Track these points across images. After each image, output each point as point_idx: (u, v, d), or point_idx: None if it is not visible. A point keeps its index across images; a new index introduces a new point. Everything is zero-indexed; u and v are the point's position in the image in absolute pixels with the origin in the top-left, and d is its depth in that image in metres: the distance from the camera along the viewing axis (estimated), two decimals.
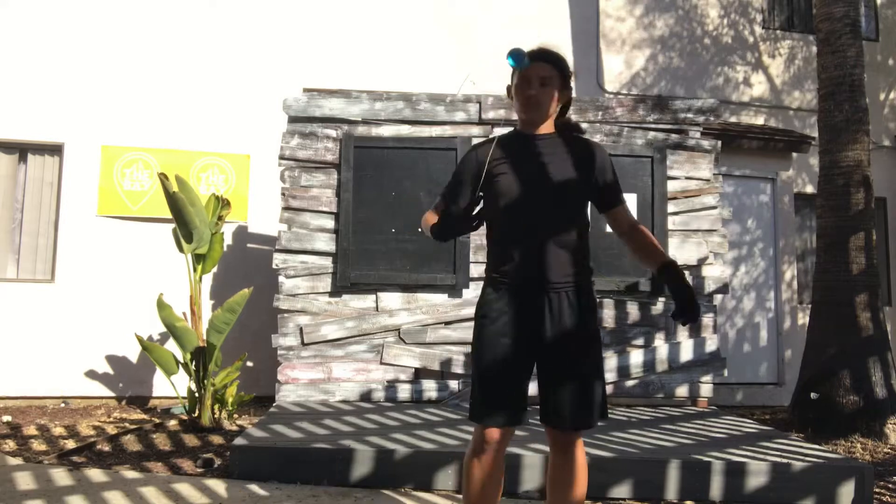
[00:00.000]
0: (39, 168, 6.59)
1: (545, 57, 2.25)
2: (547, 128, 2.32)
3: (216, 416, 5.11)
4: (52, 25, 6.55)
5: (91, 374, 6.26)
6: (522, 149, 2.29)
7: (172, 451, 4.37)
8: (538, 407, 2.31)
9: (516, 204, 2.23)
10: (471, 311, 5.42)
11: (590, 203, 2.37)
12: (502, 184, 2.25)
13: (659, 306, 5.56)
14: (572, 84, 2.33)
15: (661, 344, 5.54)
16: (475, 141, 5.57)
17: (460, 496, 3.47)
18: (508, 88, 2.35)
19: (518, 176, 2.25)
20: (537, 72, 2.23)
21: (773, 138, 7.26)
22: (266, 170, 6.57)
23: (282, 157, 5.54)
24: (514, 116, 2.36)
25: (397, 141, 5.55)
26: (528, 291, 2.23)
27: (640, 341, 5.54)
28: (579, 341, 2.23)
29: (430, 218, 2.36)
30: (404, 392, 5.36)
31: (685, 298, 2.10)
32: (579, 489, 2.28)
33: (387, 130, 5.61)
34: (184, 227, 5.02)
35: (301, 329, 5.35)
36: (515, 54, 2.20)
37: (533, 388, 2.32)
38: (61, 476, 3.58)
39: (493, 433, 2.22)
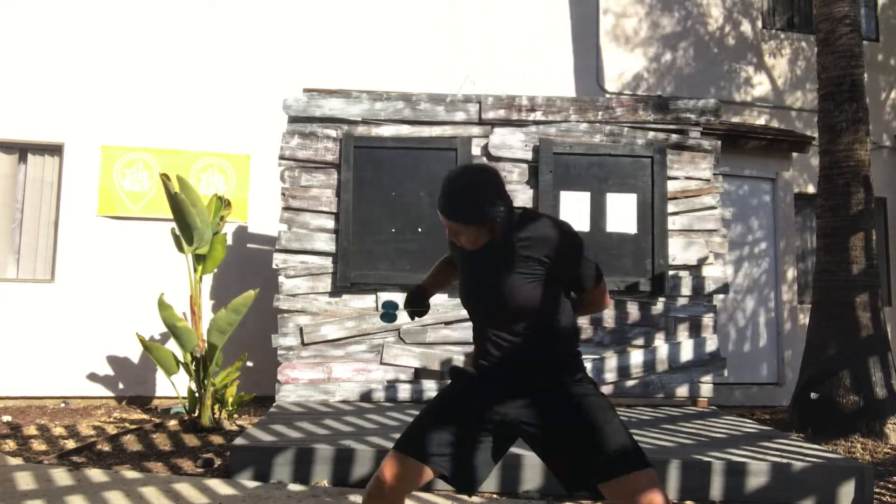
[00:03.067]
0: (39, 168, 6.59)
1: (447, 213, 2.08)
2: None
3: (216, 416, 5.11)
4: (52, 25, 6.55)
5: (91, 374, 6.26)
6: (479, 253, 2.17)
7: (172, 451, 4.37)
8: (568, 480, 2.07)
9: (469, 300, 2.21)
10: None
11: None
12: (461, 275, 2.25)
13: (659, 306, 5.56)
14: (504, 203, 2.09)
15: (661, 344, 5.54)
16: (475, 141, 5.58)
17: (460, 496, 3.48)
18: None
19: (467, 270, 2.21)
20: (448, 225, 2.13)
21: (773, 139, 7.26)
22: (266, 170, 6.57)
23: (282, 157, 5.54)
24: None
25: (397, 141, 5.55)
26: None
27: (640, 341, 5.54)
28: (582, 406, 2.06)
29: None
30: (404, 392, 5.36)
31: None
32: None
33: (387, 130, 5.61)
34: (185, 228, 5.02)
35: (301, 329, 5.35)
36: (385, 314, 2.54)
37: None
38: (61, 476, 3.58)
39: (392, 467, 2.01)
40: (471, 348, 5.15)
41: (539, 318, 2.10)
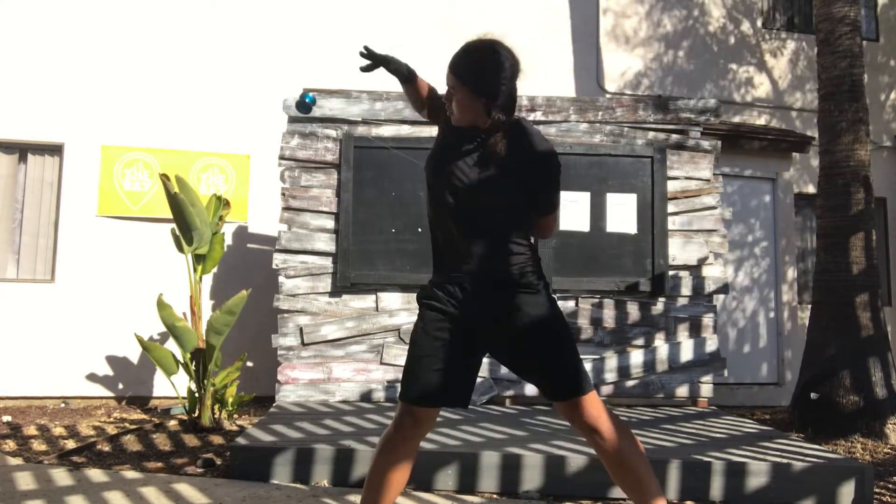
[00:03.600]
0: (39, 168, 6.59)
1: (452, 63, 2.16)
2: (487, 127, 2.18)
3: (216, 416, 5.11)
4: (52, 25, 6.55)
5: (91, 375, 6.26)
6: (448, 143, 2.27)
7: (172, 451, 4.37)
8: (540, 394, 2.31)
9: (444, 197, 2.24)
10: None
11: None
12: (435, 173, 2.27)
13: (659, 306, 5.56)
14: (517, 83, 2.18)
15: (661, 344, 5.53)
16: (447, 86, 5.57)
17: (461, 496, 3.48)
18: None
19: (444, 168, 2.24)
20: (447, 81, 2.20)
21: (773, 139, 7.26)
22: (266, 170, 6.57)
23: (282, 157, 5.54)
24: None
25: (397, 141, 5.55)
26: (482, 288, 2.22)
27: (640, 341, 5.54)
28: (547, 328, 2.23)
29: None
30: None
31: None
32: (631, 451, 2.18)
33: (387, 130, 5.61)
34: (185, 228, 5.02)
35: (301, 329, 5.35)
36: (300, 103, 2.53)
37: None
38: (61, 476, 3.58)
39: (413, 414, 2.18)
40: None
41: (514, 225, 2.22)
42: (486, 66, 2.12)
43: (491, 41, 2.17)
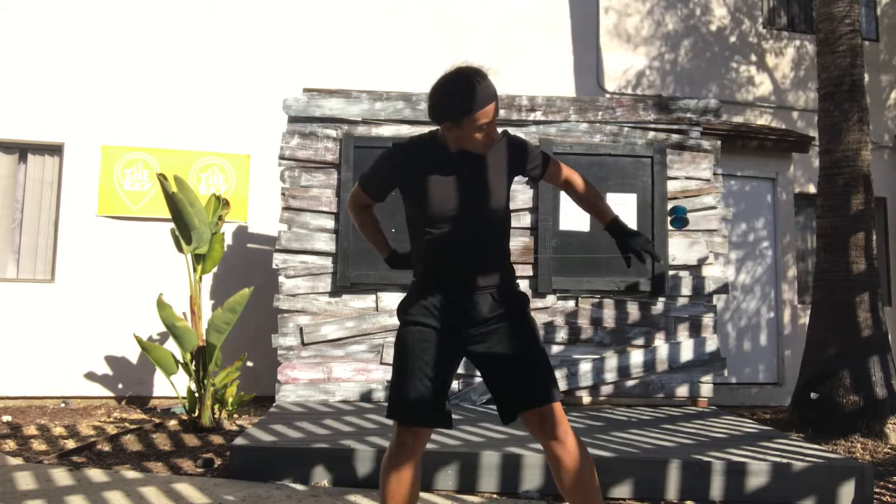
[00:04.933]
0: (39, 168, 6.59)
1: (489, 94, 2.22)
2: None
3: (216, 416, 5.11)
4: (52, 25, 6.55)
5: (91, 374, 6.26)
6: (445, 159, 2.30)
7: (172, 451, 4.37)
8: (498, 409, 2.28)
9: (446, 211, 2.25)
10: None
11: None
12: (431, 189, 2.26)
13: (659, 306, 5.56)
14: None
15: (661, 344, 5.53)
16: None
17: (461, 496, 3.48)
18: (448, 121, 2.26)
19: (445, 184, 2.26)
20: (489, 113, 2.20)
21: (774, 139, 7.26)
22: (266, 170, 6.57)
23: (282, 157, 5.54)
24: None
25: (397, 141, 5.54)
26: (455, 293, 2.27)
27: (640, 341, 5.54)
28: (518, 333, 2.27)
29: (363, 218, 2.58)
30: None
31: (640, 246, 2.36)
32: (582, 471, 2.18)
33: (387, 130, 5.61)
34: (183, 228, 5.01)
35: (301, 329, 5.35)
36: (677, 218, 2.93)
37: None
38: (61, 476, 3.58)
39: (414, 433, 2.19)
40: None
41: (504, 231, 2.34)
42: (439, 98, 2.28)
43: (467, 67, 2.30)
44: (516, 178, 2.47)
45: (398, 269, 2.64)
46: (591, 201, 2.49)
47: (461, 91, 2.17)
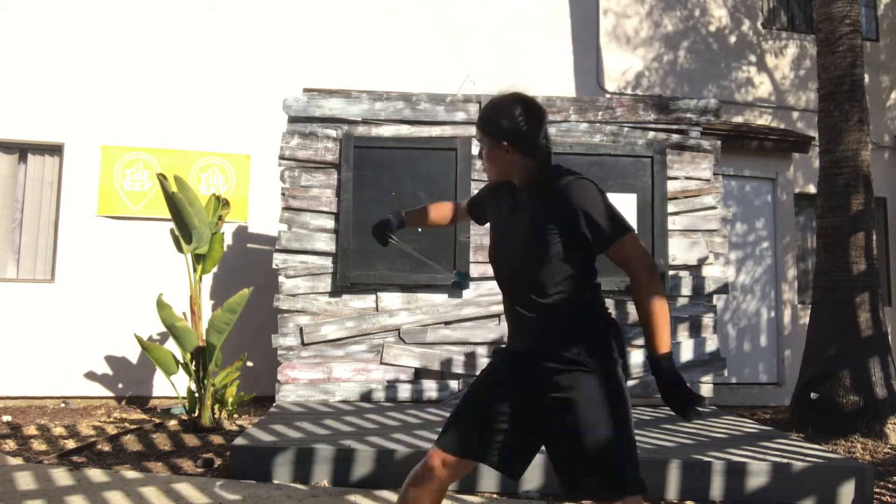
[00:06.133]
0: (39, 168, 6.59)
1: (478, 120, 2.09)
2: (522, 179, 2.07)
3: (216, 416, 5.11)
4: (51, 25, 6.55)
5: (91, 374, 6.26)
6: (501, 201, 2.13)
7: (172, 451, 4.37)
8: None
9: (495, 262, 2.11)
10: (471, 310, 5.43)
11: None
12: (491, 234, 2.14)
13: None
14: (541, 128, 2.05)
15: None
16: (475, 141, 5.57)
17: (461, 496, 3.48)
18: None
19: (498, 230, 2.12)
20: (477, 138, 2.11)
21: (774, 139, 7.26)
22: (266, 170, 6.57)
23: (282, 157, 5.54)
24: None
25: (397, 141, 5.55)
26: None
27: (640, 341, 5.53)
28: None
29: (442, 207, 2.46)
30: (404, 392, 5.36)
31: (676, 403, 1.83)
32: None
33: (387, 130, 5.61)
34: (183, 228, 5.02)
35: (301, 329, 5.35)
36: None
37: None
38: (61, 476, 3.58)
39: (438, 455, 1.99)
40: (470, 349, 5.12)
41: (557, 288, 1.97)
42: (499, 111, 2.02)
43: (511, 93, 2.06)
44: None
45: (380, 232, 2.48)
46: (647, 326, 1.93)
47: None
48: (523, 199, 2.03)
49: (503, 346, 2.17)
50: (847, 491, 3.55)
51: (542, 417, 1.95)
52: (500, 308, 5.03)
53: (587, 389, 1.89)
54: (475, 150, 5.56)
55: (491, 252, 2.13)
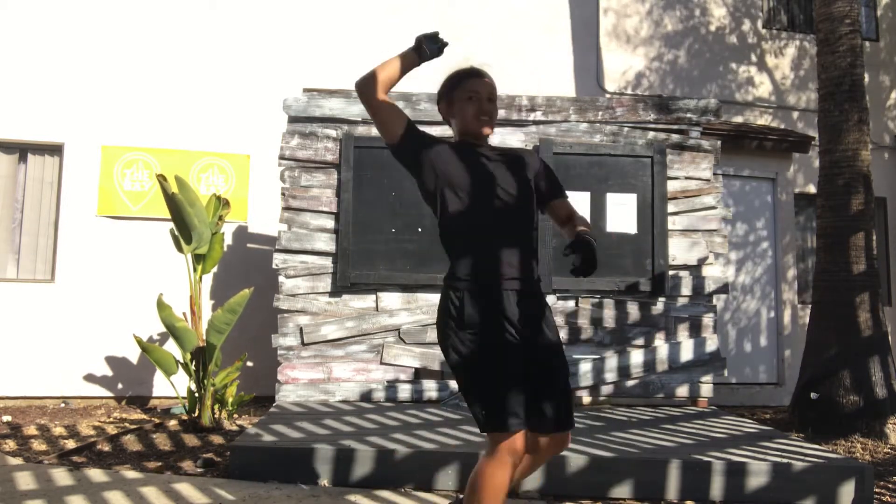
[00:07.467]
0: (39, 168, 6.59)
1: (486, 73, 2.51)
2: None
3: (216, 416, 5.11)
4: (51, 25, 6.55)
5: (91, 374, 6.26)
6: (475, 156, 2.39)
7: (172, 451, 4.37)
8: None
9: (482, 209, 2.30)
10: None
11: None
12: (461, 187, 2.33)
13: (659, 306, 5.56)
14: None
15: (661, 344, 5.53)
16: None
17: (461, 495, 3.47)
18: (442, 103, 2.62)
19: (477, 181, 2.33)
20: (490, 88, 2.53)
21: (774, 139, 7.26)
22: (266, 170, 6.57)
23: (282, 157, 5.54)
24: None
25: None
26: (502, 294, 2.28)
27: (640, 341, 5.54)
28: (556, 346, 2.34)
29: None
30: (404, 392, 5.36)
31: (585, 257, 2.18)
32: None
33: None
34: (183, 228, 5.02)
35: (301, 329, 5.35)
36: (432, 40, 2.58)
37: None
38: (61, 476, 3.58)
39: (521, 438, 2.15)
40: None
41: (534, 229, 2.39)
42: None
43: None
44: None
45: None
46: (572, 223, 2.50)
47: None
48: (495, 155, 2.40)
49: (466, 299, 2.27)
50: (847, 491, 3.55)
51: (533, 345, 2.25)
52: None
53: (549, 312, 2.38)
54: None
55: (470, 197, 2.30)
